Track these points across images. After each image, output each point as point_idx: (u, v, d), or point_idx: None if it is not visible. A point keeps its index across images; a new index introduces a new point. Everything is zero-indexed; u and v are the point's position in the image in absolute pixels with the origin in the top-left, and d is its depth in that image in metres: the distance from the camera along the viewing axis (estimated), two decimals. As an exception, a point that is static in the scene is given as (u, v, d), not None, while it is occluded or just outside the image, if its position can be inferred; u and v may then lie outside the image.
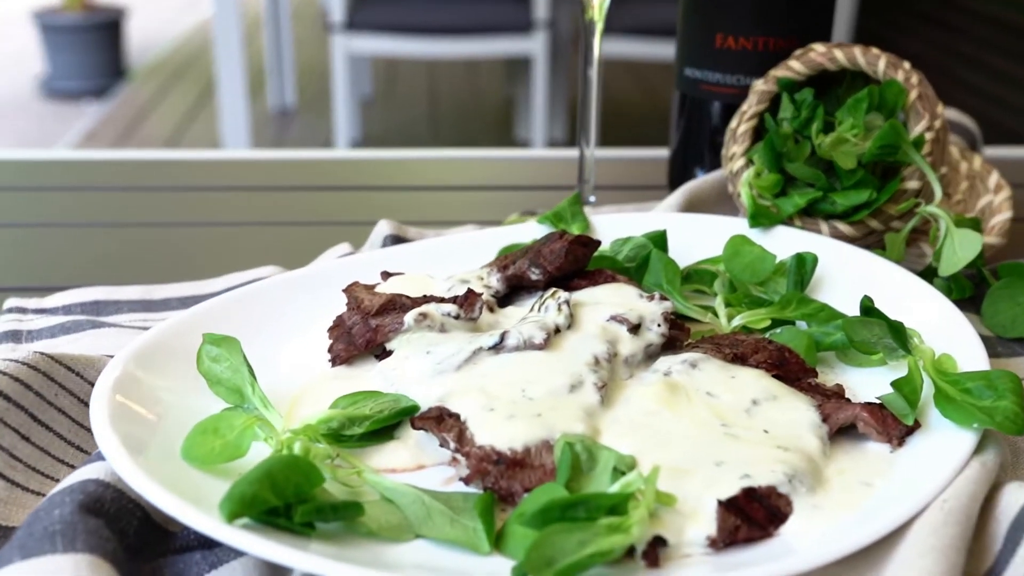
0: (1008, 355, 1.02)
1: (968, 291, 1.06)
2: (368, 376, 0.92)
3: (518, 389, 0.84)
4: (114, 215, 1.43)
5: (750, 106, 1.19)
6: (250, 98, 4.86)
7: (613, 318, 0.91)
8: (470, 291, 0.93)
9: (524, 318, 0.93)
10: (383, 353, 0.93)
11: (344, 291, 0.99)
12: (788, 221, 1.14)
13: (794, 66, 1.17)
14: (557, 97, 5.39)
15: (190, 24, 7.28)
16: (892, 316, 0.94)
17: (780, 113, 1.17)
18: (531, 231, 1.16)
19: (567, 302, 0.91)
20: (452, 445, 0.79)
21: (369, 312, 0.95)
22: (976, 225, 1.08)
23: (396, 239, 1.17)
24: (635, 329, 0.90)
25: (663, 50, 4.58)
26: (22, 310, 1.05)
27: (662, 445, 0.79)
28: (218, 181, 1.56)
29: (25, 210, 1.45)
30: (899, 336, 0.87)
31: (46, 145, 5.27)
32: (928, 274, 1.09)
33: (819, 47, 1.17)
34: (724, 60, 1.27)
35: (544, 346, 0.87)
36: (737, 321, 0.99)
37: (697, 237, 1.13)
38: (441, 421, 0.81)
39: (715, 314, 1.01)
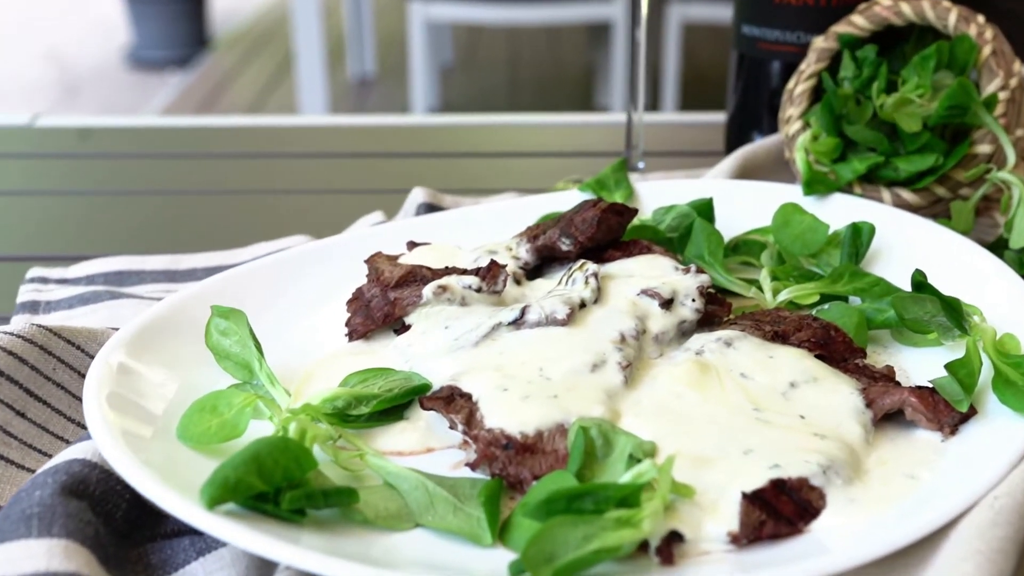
0: (1084, 333, 0.93)
1: (1043, 264, 0.97)
2: (386, 352, 0.87)
3: (536, 368, 0.78)
4: (160, 182, 1.41)
5: (808, 65, 1.11)
6: (329, 67, 4.86)
7: (644, 292, 0.85)
8: (493, 262, 0.88)
9: (550, 292, 0.87)
10: (403, 328, 0.88)
11: (366, 262, 0.95)
12: (847, 188, 1.06)
13: (857, 21, 1.08)
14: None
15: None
16: (955, 292, 0.87)
17: (841, 72, 1.08)
18: (572, 199, 1.10)
19: (595, 275, 0.85)
20: (460, 427, 0.74)
21: (388, 284, 0.90)
22: (1053, 193, 0.99)
23: (430, 208, 1.12)
24: (667, 304, 0.84)
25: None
26: (44, 280, 1.03)
27: (686, 431, 0.73)
28: (261, 147, 1.53)
29: (73, 177, 1.44)
30: (954, 314, 0.79)
31: (132, 114, 5.35)
32: (999, 246, 1.01)
33: (885, 0, 1.08)
34: (783, 16, 1.19)
35: (567, 322, 0.82)
36: (783, 296, 0.92)
37: (748, 205, 1.06)
38: (451, 401, 0.76)
39: (760, 288, 0.94)
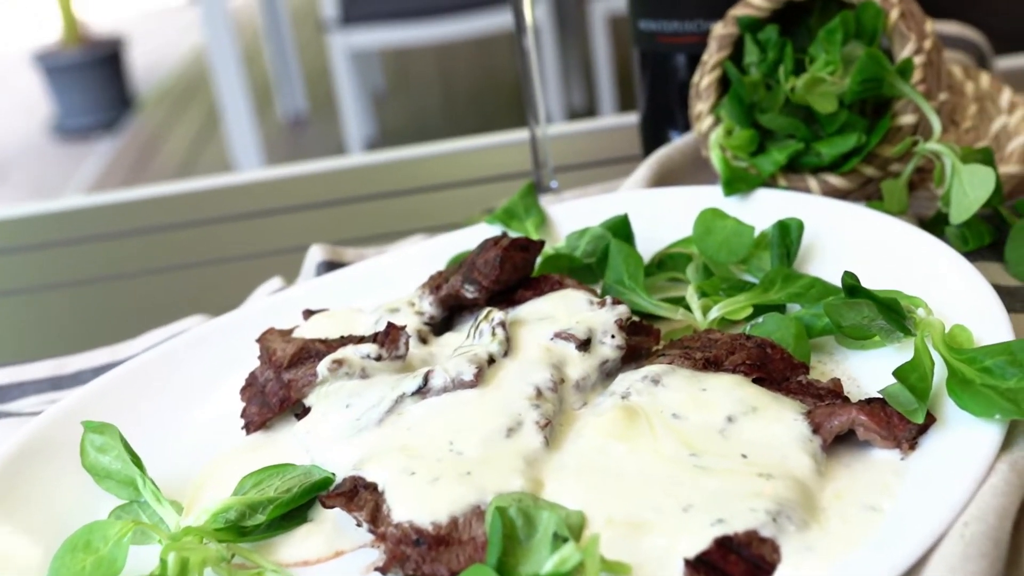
0: (1042, 306, 0.86)
1: (987, 237, 0.90)
2: (287, 442, 0.79)
3: (445, 442, 0.70)
4: (47, 274, 1.32)
5: (710, 55, 1.03)
6: (258, 112, 4.75)
7: (557, 335, 0.77)
8: (391, 325, 0.80)
9: (457, 349, 0.79)
10: (303, 411, 0.80)
11: (257, 341, 0.86)
12: (770, 182, 0.98)
13: (754, 1, 1.01)
14: (571, 63, 5.21)
15: (191, 45, 7.20)
16: (896, 281, 0.79)
17: (745, 58, 1.01)
18: (481, 234, 1.02)
19: (502, 324, 0.77)
20: (366, 525, 0.66)
21: (282, 365, 0.81)
22: (987, 157, 0.92)
23: (330, 265, 1.04)
24: (584, 345, 0.76)
25: None
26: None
27: (617, 491, 0.65)
28: (148, 221, 1.44)
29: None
30: (893, 315, 0.72)
31: (61, 187, 5.23)
32: (940, 222, 0.93)
33: (781, -24, 1.01)
34: (680, 6, 1.11)
35: (476, 383, 0.73)
36: (714, 313, 0.84)
37: (668, 216, 0.98)
38: (354, 495, 0.68)
39: (688, 308, 0.86)
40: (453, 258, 1.00)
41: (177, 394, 0.86)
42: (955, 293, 0.77)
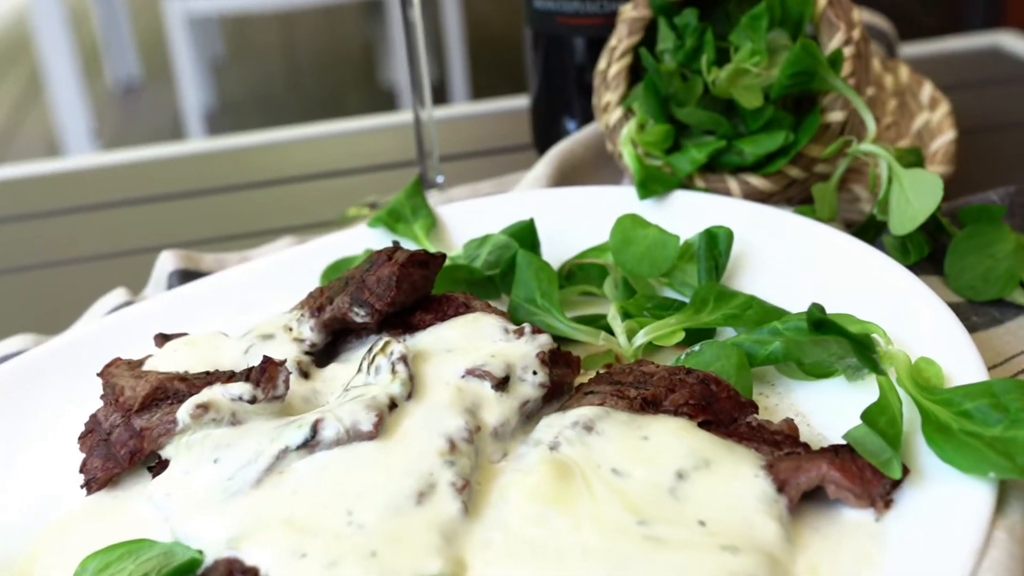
0: (986, 325, 0.79)
1: (926, 248, 0.82)
2: (139, 506, 0.65)
3: (343, 511, 0.57)
4: None
5: (620, 39, 0.92)
6: (86, 78, 4.44)
7: (470, 372, 0.65)
8: (267, 360, 0.66)
9: (347, 387, 0.66)
10: (159, 464, 0.66)
11: (100, 375, 0.72)
12: (687, 183, 0.89)
13: (668, -19, 0.91)
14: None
15: (12, 4, 6.73)
16: (842, 301, 0.71)
17: (659, 44, 0.91)
18: (361, 239, 0.90)
19: (403, 359, 0.65)
20: (247, 626, 0.53)
21: (132, 408, 0.67)
22: (918, 158, 0.84)
23: (185, 275, 0.89)
24: (502, 384, 0.65)
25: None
26: None
27: (557, 574, 0.54)
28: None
29: None
30: (866, 354, 0.62)
31: None
32: (871, 229, 0.85)
33: (696, -47, 0.91)
34: (580, -17, 1.00)
35: (376, 434, 0.61)
36: (640, 339, 0.73)
37: (577, 219, 0.87)
38: (231, 585, 0.55)
39: (610, 331, 0.75)
40: (330, 267, 0.87)
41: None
42: (911, 318, 0.69)
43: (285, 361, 0.67)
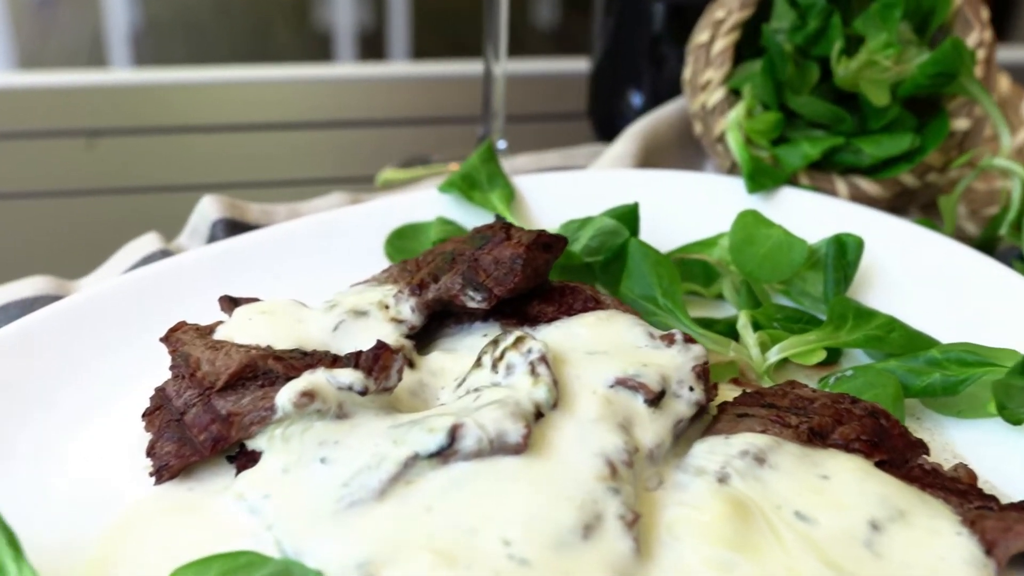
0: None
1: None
2: (219, 503, 0.55)
3: (496, 540, 0.49)
4: None
5: (729, 12, 0.84)
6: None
7: (620, 383, 0.56)
8: (381, 345, 0.57)
9: (465, 385, 0.57)
10: (240, 455, 0.56)
11: (165, 341, 0.61)
12: (791, 179, 0.81)
13: (792, -44, 0.83)
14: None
15: None
16: (977, 327, 0.66)
17: (773, 22, 0.83)
18: (430, 204, 0.80)
19: (544, 360, 0.56)
20: None
21: (213, 386, 0.57)
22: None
23: (233, 226, 0.78)
24: (657, 400, 0.56)
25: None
26: None
27: (759, 637, 0.46)
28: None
29: None
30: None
31: None
32: (989, 247, 0.79)
33: (821, -72, 0.83)
34: (675, -55, 0.92)
35: (524, 447, 0.52)
36: (775, 355, 0.66)
37: (677, 207, 0.79)
38: (373, 623, 0.46)
39: (733, 338, 0.68)
40: (395, 232, 0.78)
41: (31, 410, 0.60)
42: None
43: (402, 348, 0.58)
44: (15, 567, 0.48)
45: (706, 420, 0.60)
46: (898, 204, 0.83)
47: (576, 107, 1.07)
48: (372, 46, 4.62)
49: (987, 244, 0.79)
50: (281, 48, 4.60)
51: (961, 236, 0.83)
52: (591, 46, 1.01)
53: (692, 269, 0.75)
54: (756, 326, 0.68)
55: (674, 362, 0.58)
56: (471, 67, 1.23)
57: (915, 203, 0.84)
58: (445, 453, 0.52)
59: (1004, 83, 0.97)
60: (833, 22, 0.80)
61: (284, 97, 1.16)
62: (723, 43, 0.83)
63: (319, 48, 4.65)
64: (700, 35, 0.86)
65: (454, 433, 0.52)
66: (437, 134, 1.05)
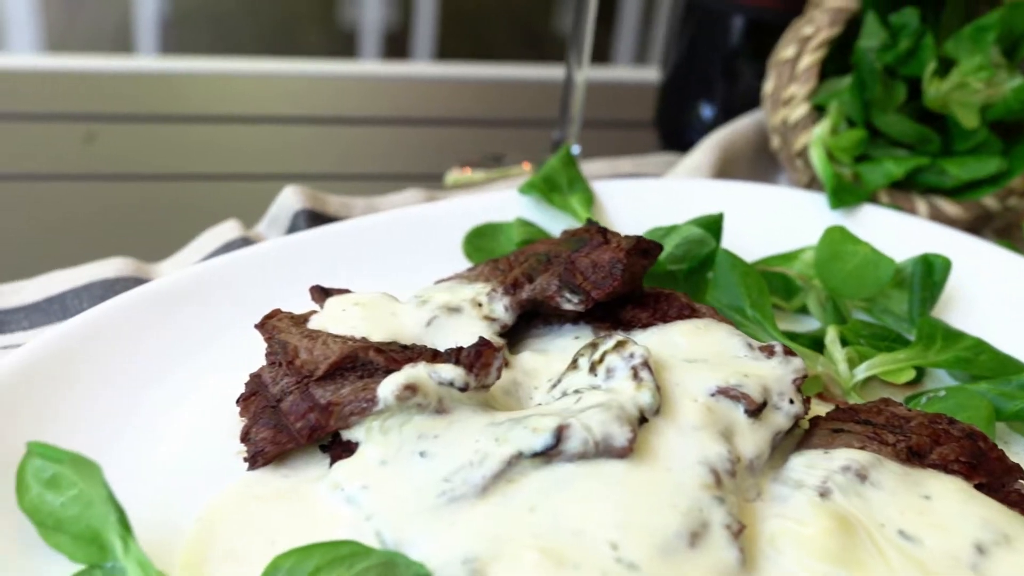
0: None
1: None
2: (314, 491, 0.55)
3: (604, 542, 0.48)
4: None
5: (818, 29, 0.84)
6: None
7: (722, 392, 0.56)
8: (483, 342, 0.56)
9: (576, 392, 0.57)
10: (335, 445, 0.56)
11: (260, 328, 0.61)
12: (871, 196, 0.81)
13: (883, -26, 0.82)
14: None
15: None
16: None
17: (862, 40, 0.82)
18: (509, 205, 0.80)
19: (647, 365, 0.56)
20: (514, 677, 0.44)
21: (311, 374, 0.57)
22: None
23: (314, 217, 0.78)
24: (757, 411, 0.56)
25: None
26: None
27: (869, 654, 0.46)
28: None
29: None
30: None
31: None
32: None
33: (912, -52, 0.83)
34: (759, -41, 0.92)
35: (629, 451, 0.52)
36: (863, 372, 0.66)
37: (756, 219, 0.79)
38: (484, 620, 0.45)
39: (819, 351, 0.67)
40: (474, 231, 0.78)
41: (130, 381, 0.60)
42: None
43: (503, 347, 0.58)
44: (122, 544, 0.48)
45: (797, 434, 0.59)
46: (975, 226, 0.83)
47: (638, 116, 1.07)
48: (396, 45, 4.60)
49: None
50: (306, 45, 4.59)
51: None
52: (613, 56, 1.00)
53: (772, 282, 0.75)
54: (843, 342, 0.67)
55: (774, 374, 0.58)
56: (528, 71, 1.24)
57: (990, 226, 0.84)
58: (550, 453, 0.52)
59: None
60: (925, 43, 0.79)
61: (358, 92, 1.16)
62: (810, 59, 0.83)
63: (345, 46, 4.64)
64: (785, 50, 0.85)
65: (560, 434, 0.52)
66: (496, 136, 1.05)
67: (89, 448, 0.52)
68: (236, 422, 0.58)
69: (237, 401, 0.58)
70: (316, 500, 0.54)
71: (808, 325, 0.73)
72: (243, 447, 0.56)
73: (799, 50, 0.84)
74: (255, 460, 0.56)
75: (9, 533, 0.50)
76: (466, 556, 0.48)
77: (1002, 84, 0.78)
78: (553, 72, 1.19)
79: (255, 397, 0.58)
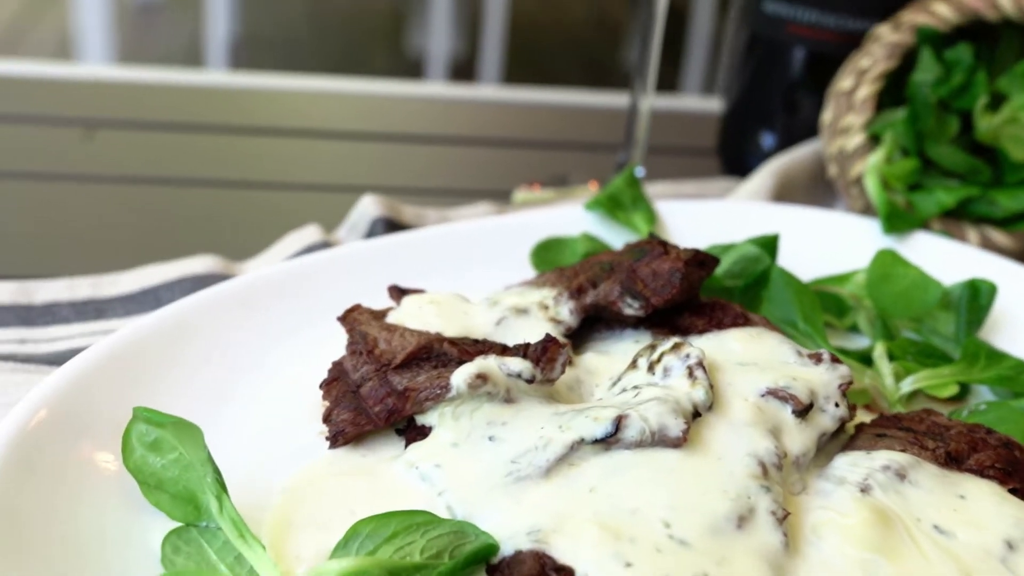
0: None
1: None
2: (389, 468, 0.59)
3: (658, 521, 0.52)
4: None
5: (875, 61, 0.88)
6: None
7: (772, 393, 0.60)
8: (550, 339, 0.61)
9: (636, 388, 0.61)
10: (410, 428, 0.61)
11: (342, 320, 0.66)
12: (924, 224, 0.84)
13: (940, 11, 0.86)
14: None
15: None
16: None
17: (917, 74, 0.86)
18: (575, 220, 0.84)
19: (702, 365, 0.60)
20: (571, 634, 0.48)
21: (389, 363, 0.61)
22: None
23: (390, 225, 0.83)
24: (805, 411, 0.60)
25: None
26: None
27: (901, 633, 0.49)
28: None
29: None
30: None
31: None
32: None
33: (969, -12, 0.86)
34: (824, -5, 0.96)
35: (683, 441, 0.56)
36: (909, 385, 0.69)
37: (813, 242, 0.83)
38: (545, 584, 0.50)
39: (868, 365, 0.71)
40: (541, 244, 0.82)
41: (218, 375, 0.65)
42: None
43: (568, 344, 0.62)
44: (217, 504, 0.52)
45: (843, 438, 0.63)
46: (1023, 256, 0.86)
47: (702, 143, 1.11)
48: (462, 75, 4.67)
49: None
50: (372, 69, 4.68)
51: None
52: (681, 85, 1.05)
53: (826, 301, 0.79)
54: (890, 357, 0.71)
55: (822, 378, 0.62)
56: (594, 97, 1.28)
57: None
58: (609, 440, 0.56)
59: None
60: (978, 78, 0.83)
61: (428, 112, 1.21)
62: (867, 91, 0.87)
63: (412, 71, 4.71)
64: (843, 81, 0.89)
65: (619, 423, 0.56)
66: (562, 158, 1.10)
67: (202, 417, 0.57)
68: (319, 405, 0.63)
69: (320, 386, 0.63)
70: (392, 476, 0.58)
71: (858, 343, 0.76)
72: (325, 428, 0.61)
73: (857, 82, 0.88)
74: (336, 439, 0.60)
75: (115, 491, 0.54)
76: (531, 528, 0.52)
77: (1049, 119, 0.81)
78: (619, 99, 1.24)
79: (337, 383, 0.63)
